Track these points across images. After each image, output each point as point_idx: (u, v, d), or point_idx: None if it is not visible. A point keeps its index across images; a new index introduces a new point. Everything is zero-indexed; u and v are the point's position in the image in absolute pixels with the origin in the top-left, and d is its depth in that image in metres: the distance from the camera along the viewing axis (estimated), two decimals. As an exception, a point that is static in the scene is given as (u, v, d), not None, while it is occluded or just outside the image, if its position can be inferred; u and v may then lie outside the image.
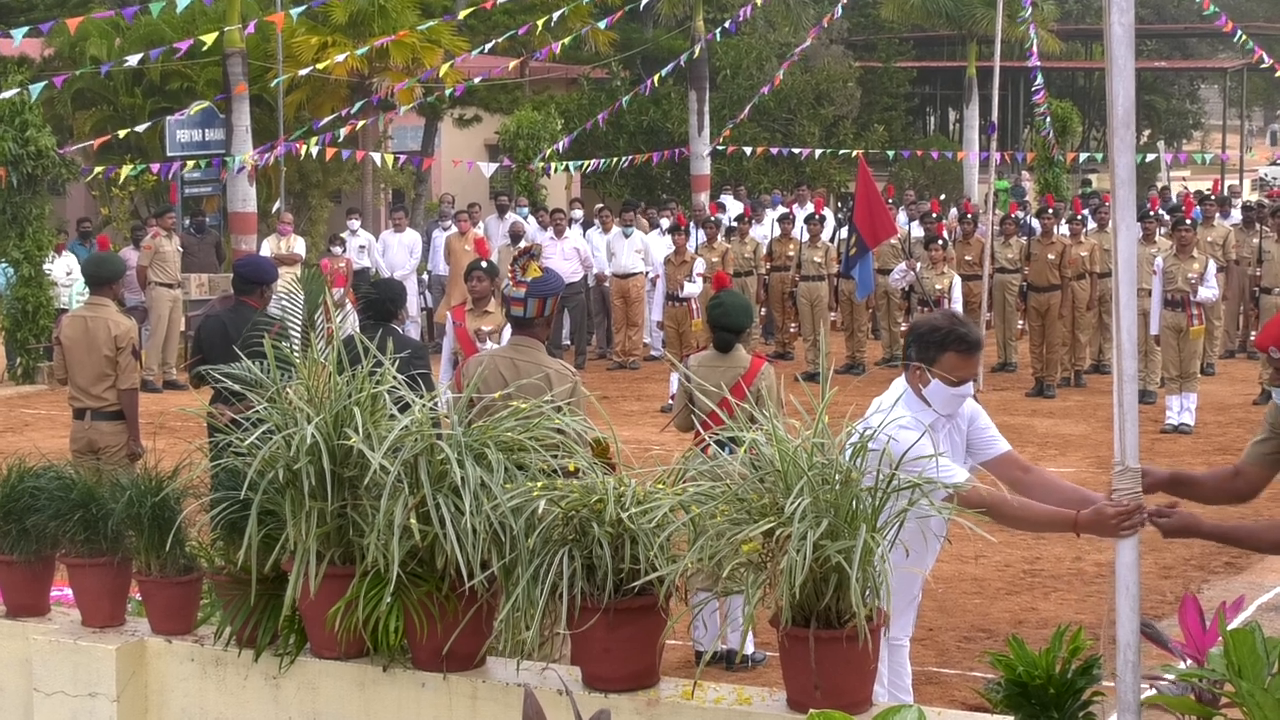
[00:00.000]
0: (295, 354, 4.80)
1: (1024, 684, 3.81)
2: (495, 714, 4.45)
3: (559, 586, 4.19)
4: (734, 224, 21.14)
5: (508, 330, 10.53)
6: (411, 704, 4.56)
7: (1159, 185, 30.94)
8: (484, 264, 11.09)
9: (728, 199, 26.73)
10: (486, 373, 6.59)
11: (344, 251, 20.97)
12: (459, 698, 4.50)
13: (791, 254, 19.69)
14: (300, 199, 28.97)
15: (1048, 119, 24.56)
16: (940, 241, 16.47)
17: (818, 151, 32.65)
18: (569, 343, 20.86)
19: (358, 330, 8.46)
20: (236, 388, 4.76)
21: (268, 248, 20.82)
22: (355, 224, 22.12)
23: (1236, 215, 22.00)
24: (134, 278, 18.68)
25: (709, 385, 7.47)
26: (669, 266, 18.57)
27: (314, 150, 23.67)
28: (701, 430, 8.21)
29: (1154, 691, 3.81)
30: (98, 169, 23.56)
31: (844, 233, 18.09)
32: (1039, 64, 24.57)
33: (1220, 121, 52.34)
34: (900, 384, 5.64)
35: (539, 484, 4.33)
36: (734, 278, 19.04)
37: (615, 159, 30.22)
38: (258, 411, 4.62)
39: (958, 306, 15.91)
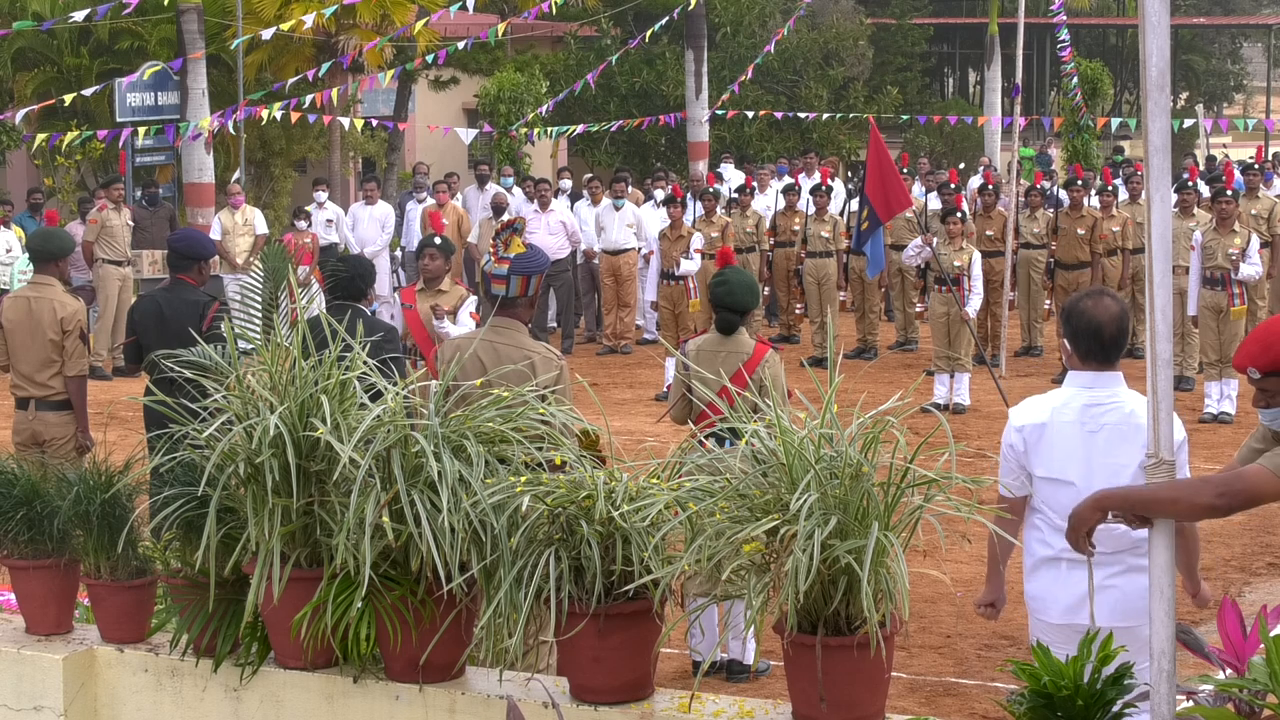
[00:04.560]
0: (254, 336, 4.80)
1: (1049, 695, 3.82)
2: (475, 729, 4.46)
3: (544, 590, 4.20)
4: (734, 195, 21.14)
5: (464, 311, 10.54)
6: (384, 718, 4.57)
7: (1198, 153, 30.95)
8: (437, 240, 11.05)
9: (727, 168, 26.73)
10: (465, 358, 6.60)
11: (309, 226, 20.94)
12: (436, 711, 4.51)
13: (797, 228, 19.70)
14: (262, 168, 28.92)
15: (1075, 80, 24.56)
16: (959, 214, 16.46)
17: (825, 116, 32.64)
18: (555, 325, 20.86)
19: (324, 311, 8.46)
20: (189, 374, 4.76)
21: (219, 225, 20.79)
22: (322, 195, 22.09)
23: (1281, 185, 22.03)
24: (80, 254, 18.65)
25: (708, 372, 7.47)
26: (664, 242, 18.56)
27: (276, 115, 23.63)
28: (693, 423, 8.24)
29: (1190, 703, 3.82)
30: (40, 136, 23.52)
31: (855, 205, 18.08)
32: (1066, 20, 24.55)
33: (1265, 83, 52.32)
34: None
35: (522, 479, 4.34)
36: (735, 253, 19.04)
37: (605, 124, 30.19)
38: (216, 400, 4.63)
39: (978, 285, 15.92)
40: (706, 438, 4.62)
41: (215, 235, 20.36)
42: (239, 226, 20.65)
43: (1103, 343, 5.58)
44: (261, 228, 20.96)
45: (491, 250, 7.04)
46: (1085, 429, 5.53)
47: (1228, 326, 15.30)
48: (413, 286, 10.96)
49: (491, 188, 22.22)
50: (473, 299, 10.87)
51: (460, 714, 4.48)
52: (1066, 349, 5.74)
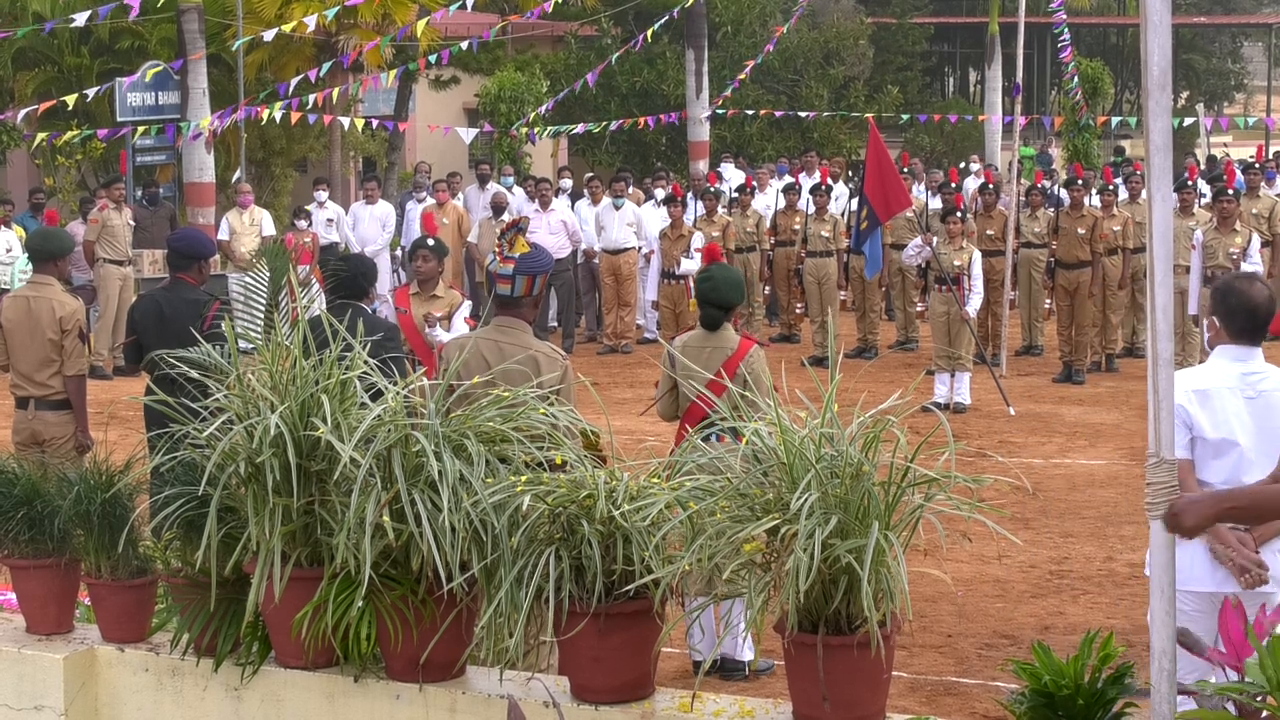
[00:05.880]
0: (254, 335, 4.80)
1: (1050, 694, 3.82)
2: (476, 728, 4.46)
3: (545, 590, 4.20)
4: (735, 195, 21.15)
5: (458, 316, 10.53)
6: (385, 717, 4.56)
7: (1198, 152, 30.95)
8: (430, 242, 11.03)
9: (727, 168, 26.73)
10: (468, 356, 6.59)
11: (310, 225, 20.93)
12: (436, 710, 4.51)
13: (797, 228, 19.70)
14: (262, 168, 28.91)
15: (1076, 79, 24.56)
16: (959, 214, 16.46)
17: (825, 115, 32.61)
18: (555, 324, 20.86)
19: (325, 310, 8.45)
20: (194, 373, 4.76)
21: (227, 226, 20.77)
22: (323, 195, 22.09)
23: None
24: (81, 254, 18.65)
25: (695, 367, 7.49)
26: (664, 241, 18.56)
27: (277, 115, 23.63)
28: (680, 418, 8.24)
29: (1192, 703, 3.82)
30: (40, 135, 23.51)
31: (855, 204, 18.08)
32: (1066, 19, 24.55)
33: (1265, 82, 52.30)
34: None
35: (523, 478, 4.34)
36: (735, 253, 19.07)
37: (605, 124, 30.19)
38: (217, 399, 4.63)
39: (978, 284, 15.92)
40: (708, 437, 4.62)
41: (224, 236, 20.38)
42: (246, 227, 20.61)
43: (1256, 322, 6.10)
44: (269, 229, 20.88)
45: (497, 250, 7.04)
46: (1244, 394, 6.00)
47: (1228, 326, 15.30)
48: (406, 288, 10.93)
49: (492, 187, 22.22)
50: (467, 304, 10.86)
51: (461, 713, 4.48)
52: (1215, 325, 6.13)
